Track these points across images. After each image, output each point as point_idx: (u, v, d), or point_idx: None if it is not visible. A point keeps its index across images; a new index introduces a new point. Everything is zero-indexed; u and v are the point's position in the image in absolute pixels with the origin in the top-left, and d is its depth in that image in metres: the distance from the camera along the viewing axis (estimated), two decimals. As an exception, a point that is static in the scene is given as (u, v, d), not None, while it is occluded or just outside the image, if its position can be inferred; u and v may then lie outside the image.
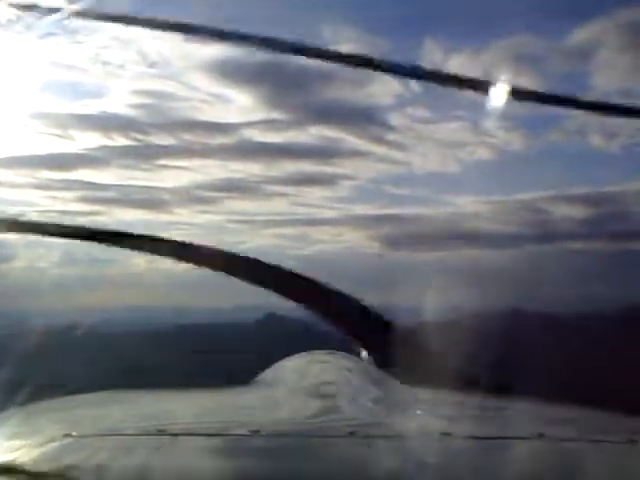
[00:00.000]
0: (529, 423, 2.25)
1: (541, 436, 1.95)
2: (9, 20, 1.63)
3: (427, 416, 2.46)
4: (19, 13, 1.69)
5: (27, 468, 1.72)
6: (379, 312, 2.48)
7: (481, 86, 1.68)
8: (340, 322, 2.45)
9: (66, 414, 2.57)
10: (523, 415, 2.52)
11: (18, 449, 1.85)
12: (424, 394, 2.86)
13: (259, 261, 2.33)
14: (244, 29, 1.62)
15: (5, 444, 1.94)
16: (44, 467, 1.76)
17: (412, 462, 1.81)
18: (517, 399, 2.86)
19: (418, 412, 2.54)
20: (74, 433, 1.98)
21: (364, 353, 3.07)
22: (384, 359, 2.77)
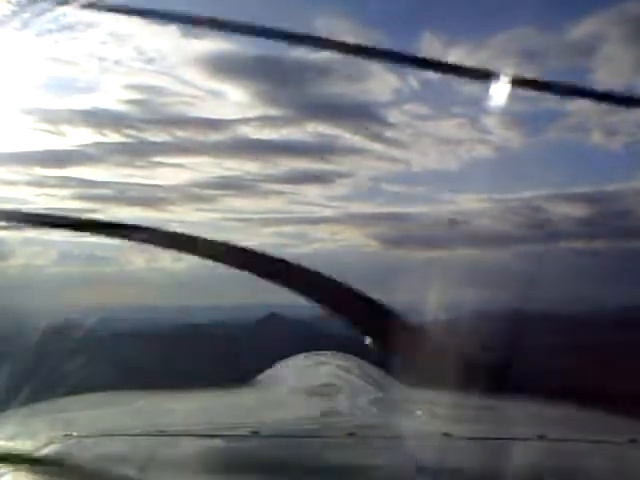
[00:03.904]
0: (529, 424, 2.24)
1: (541, 437, 1.94)
2: (4, 15, 1.61)
3: (427, 416, 2.45)
4: (15, 8, 1.68)
5: (28, 468, 1.71)
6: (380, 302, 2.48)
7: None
8: (343, 312, 2.44)
9: (66, 415, 2.56)
10: (523, 415, 2.51)
11: (18, 450, 1.85)
12: (424, 394, 2.85)
13: (265, 254, 2.29)
14: (239, 22, 1.59)
15: (5, 445, 1.93)
16: (45, 467, 1.75)
17: (412, 462, 1.80)
18: (517, 399, 2.85)
19: (418, 412, 2.53)
20: (74, 433, 1.97)
21: (367, 339, 3.07)
22: (385, 346, 2.76)
